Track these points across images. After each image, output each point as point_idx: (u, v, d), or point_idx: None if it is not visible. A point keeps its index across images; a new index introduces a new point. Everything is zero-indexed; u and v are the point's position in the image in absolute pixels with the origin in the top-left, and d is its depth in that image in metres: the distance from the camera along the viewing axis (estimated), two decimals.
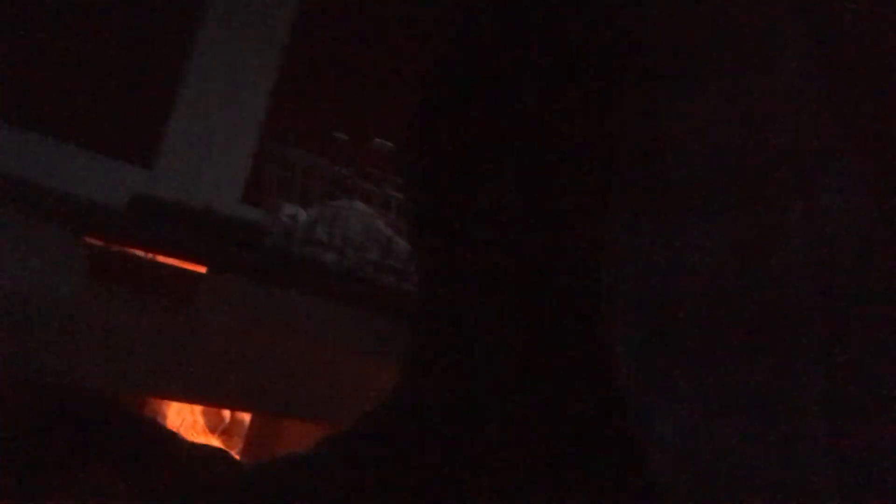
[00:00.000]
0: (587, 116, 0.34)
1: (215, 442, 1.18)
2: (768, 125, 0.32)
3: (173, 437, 0.96)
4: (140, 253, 0.83)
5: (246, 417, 1.17)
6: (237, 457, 1.02)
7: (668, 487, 0.30)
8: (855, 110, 0.33)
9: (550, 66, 0.35)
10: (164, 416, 1.12)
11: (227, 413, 1.26)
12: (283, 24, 0.89)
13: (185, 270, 0.77)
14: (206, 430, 1.23)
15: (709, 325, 0.30)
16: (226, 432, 1.24)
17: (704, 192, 0.31)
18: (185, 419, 1.24)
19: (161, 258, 0.81)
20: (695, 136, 0.31)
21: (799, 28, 0.33)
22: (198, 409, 1.23)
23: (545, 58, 0.35)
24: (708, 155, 0.31)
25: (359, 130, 0.86)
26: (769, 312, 0.30)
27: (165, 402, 1.13)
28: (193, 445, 0.94)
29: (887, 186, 0.32)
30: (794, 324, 0.30)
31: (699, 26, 0.32)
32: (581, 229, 0.34)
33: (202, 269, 0.78)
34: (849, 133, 0.32)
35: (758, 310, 0.30)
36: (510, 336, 0.36)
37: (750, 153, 0.31)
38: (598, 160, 0.33)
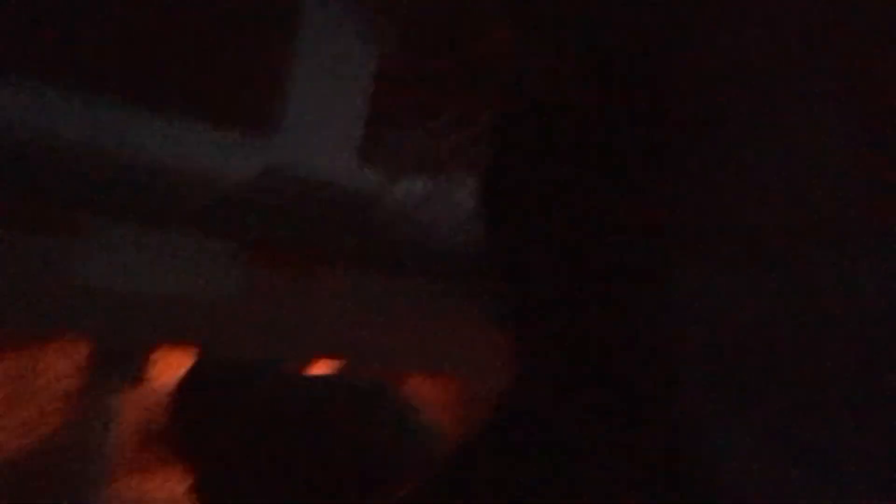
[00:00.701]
0: (653, 166, 0.35)
1: None
2: (809, 188, 0.33)
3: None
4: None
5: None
6: None
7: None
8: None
9: (616, 113, 0.37)
10: None
11: None
12: None
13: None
14: None
15: (760, 373, 0.32)
16: None
17: (751, 245, 0.33)
18: None
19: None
20: (750, 194, 0.32)
21: (845, 100, 0.33)
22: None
23: (611, 105, 0.37)
24: (755, 210, 0.32)
25: (468, 106, 0.89)
26: (809, 372, 0.32)
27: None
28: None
29: None
30: (835, 385, 0.32)
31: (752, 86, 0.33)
32: (647, 273, 0.36)
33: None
34: (888, 210, 0.33)
35: (798, 368, 0.32)
36: (572, 367, 0.38)
37: (791, 212, 0.32)
38: (663, 205, 0.35)
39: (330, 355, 0.80)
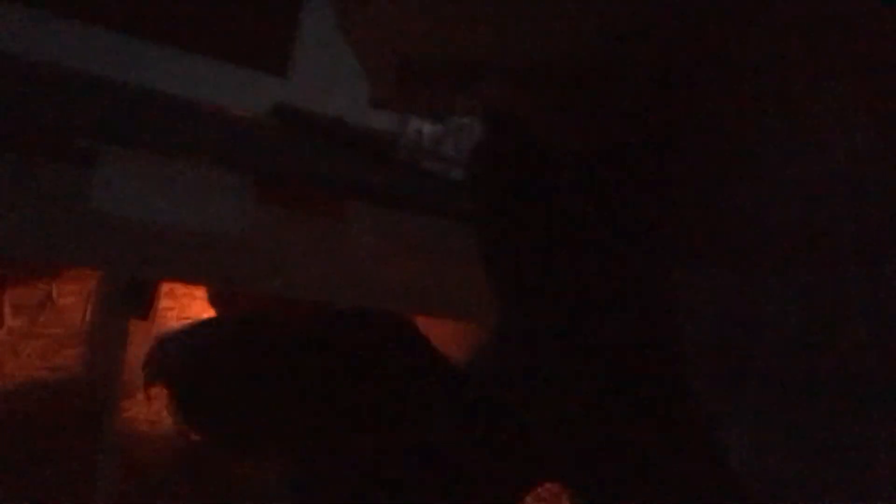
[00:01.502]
0: (656, 181, 0.35)
1: None
2: (829, 190, 0.32)
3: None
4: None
5: None
6: None
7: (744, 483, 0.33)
8: None
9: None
10: None
11: None
12: None
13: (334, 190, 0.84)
14: None
15: (778, 371, 0.32)
16: None
17: (771, 251, 0.32)
18: None
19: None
20: (761, 198, 0.32)
21: (862, 99, 0.32)
22: None
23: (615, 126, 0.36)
24: (773, 216, 0.32)
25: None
26: (834, 375, 0.32)
27: None
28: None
29: None
30: (861, 388, 0.32)
31: (765, 94, 0.33)
32: (645, 279, 0.36)
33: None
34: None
35: (823, 370, 0.32)
36: (582, 365, 0.38)
37: (811, 217, 0.32)
38: (664, 217, 0.35)
39: (343, 291, 0.81)
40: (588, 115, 0.40)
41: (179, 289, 1.50)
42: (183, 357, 0.92)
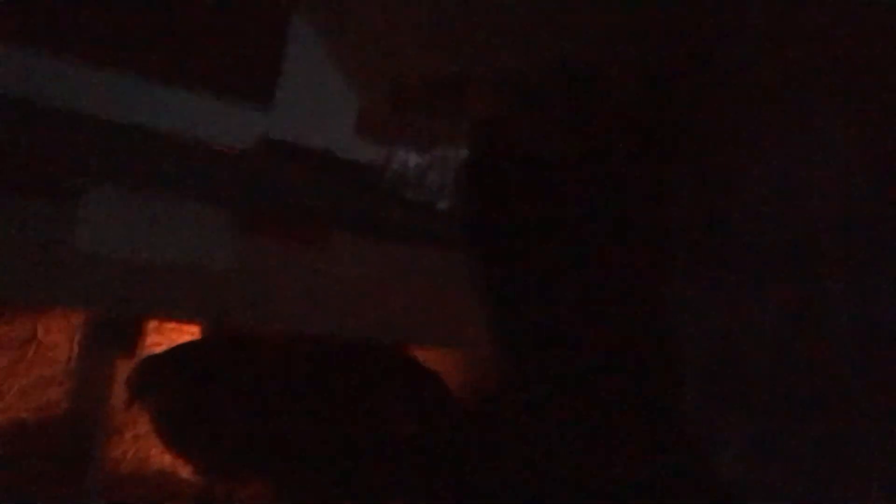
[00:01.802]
0: (642, 190, 0.36)
1: None
2: (811, 199, 0.32)
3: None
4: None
5: None
6: None
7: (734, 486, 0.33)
8: None
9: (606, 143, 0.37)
10: None
11: None
12: None
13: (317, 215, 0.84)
14: None
15: (766, 379, 0.33)
16: None
17: (755, 261, 0.33)
18: None
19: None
20: (743, 209, 0.33)
21: (844, 110, 0.33)
22: None
23: (600, 137, 0.37)
24: (756, 226, 0.33)
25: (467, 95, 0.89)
26: (819, 380, 0.32)
27: None
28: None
29: None
30: (845, 394, 0.32)
31: (749, 106, 0.33)
32: (639, 291, 0.36)
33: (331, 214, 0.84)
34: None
35: (809, 376, 0.32)
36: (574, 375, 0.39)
37: (793, 226, 0.32)
38: (652, 230, 0.35)
39: (333, 324, 0.80)
40: (578, 123, 0.41)
41: (167, 323, 1.48)
42: (168, 374, 0.91)
